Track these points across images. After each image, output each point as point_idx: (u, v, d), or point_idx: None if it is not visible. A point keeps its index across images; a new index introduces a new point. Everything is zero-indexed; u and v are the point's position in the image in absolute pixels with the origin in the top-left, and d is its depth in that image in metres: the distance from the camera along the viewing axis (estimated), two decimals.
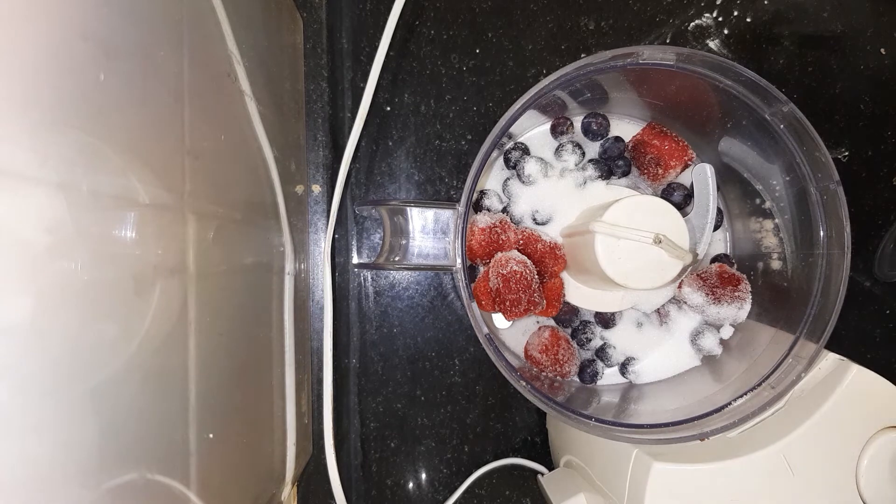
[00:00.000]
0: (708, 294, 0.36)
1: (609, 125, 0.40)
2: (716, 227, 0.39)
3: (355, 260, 0.47)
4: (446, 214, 0.33)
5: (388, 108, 0.46)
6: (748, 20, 0.46)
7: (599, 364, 0.40)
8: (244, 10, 0.34)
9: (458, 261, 0.32)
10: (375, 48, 0.37)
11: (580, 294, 0.40)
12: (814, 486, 0.31)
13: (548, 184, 0.39)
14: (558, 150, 0.39)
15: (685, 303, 0.38)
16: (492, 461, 0.46)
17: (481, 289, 0.36)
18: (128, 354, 0.22)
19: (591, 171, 0.39)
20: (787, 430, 0.32)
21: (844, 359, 0.34)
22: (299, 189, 0.43)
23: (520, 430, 0.47)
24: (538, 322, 0.41)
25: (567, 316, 0.40)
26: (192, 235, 0.27)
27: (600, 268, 0.34)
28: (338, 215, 0.40)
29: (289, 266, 0.41)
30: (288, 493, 0.40)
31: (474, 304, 0.32)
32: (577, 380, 0.41)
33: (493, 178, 0.41)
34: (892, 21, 0.45)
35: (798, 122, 0.32)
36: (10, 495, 0.17)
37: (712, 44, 0.46)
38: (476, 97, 0.46)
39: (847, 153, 0.46)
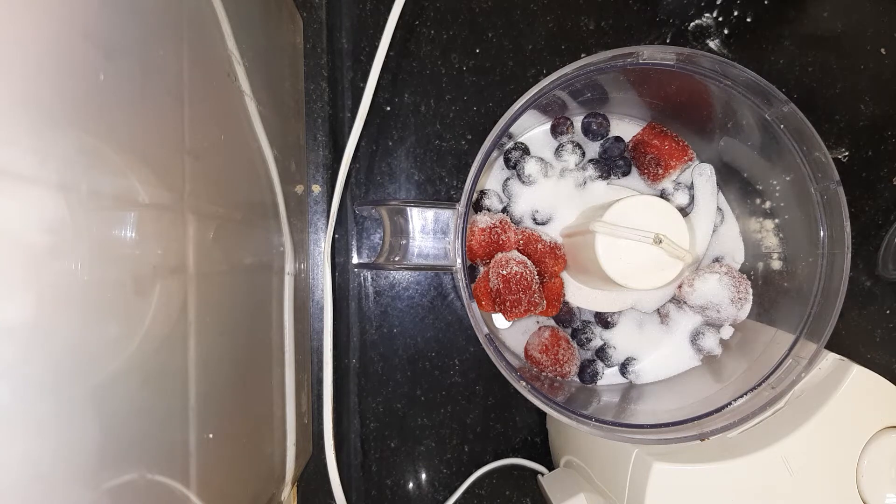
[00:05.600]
0: (708, 294, 0.36)
1: (609, 125, 0.40)
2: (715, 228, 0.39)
3: (355, 260, 0.47)
4: (446, 214, 0.33)
5: (388, 108, 0.46)
6: (748, 20, 0.46)
7: (599, 364, 0.40)
8: (244, 9, 0.34)
9: (458, 261, 0.32)
10: (375, 48, 0.37)
11: (580, 294, 0.40)
12: (814, 486, 0.31)
13: (548, 184, 0.39)
14: (558, 150, 0.39)
15: (685, 303, 0.38)
16: (492, 461, 0.46)
17: (481, 289, 0.36)
18: (128, 354, 0.22)
19: (591, 171, 0.39)
20: (787, 430, 0.32)
21: (844, 359, 0.34)
22: (299, 189, 0.43)
23: (520, 430, 0.47)
24: (538, 322, 0.41)
25: (567, 316, 0.40)
26: (192, 235, 0.27)
27: (600, 268, 0.34)
28: (338, 215, 0.40)
29: (289, 266, 0.41)
30: (288, 493, 0.40)
31: (474, 305, 0.32)
32: (577, 380, 0.41)
33: (493, 178, 0.41)
34: (892, 21, 0.45)
35: (798, 122, 0.32)
36: (10, 495, 0.17)
37: (712, 44, 0.46)
38: (476, 97, 0.46)
39: (847, 153, 0.46)
